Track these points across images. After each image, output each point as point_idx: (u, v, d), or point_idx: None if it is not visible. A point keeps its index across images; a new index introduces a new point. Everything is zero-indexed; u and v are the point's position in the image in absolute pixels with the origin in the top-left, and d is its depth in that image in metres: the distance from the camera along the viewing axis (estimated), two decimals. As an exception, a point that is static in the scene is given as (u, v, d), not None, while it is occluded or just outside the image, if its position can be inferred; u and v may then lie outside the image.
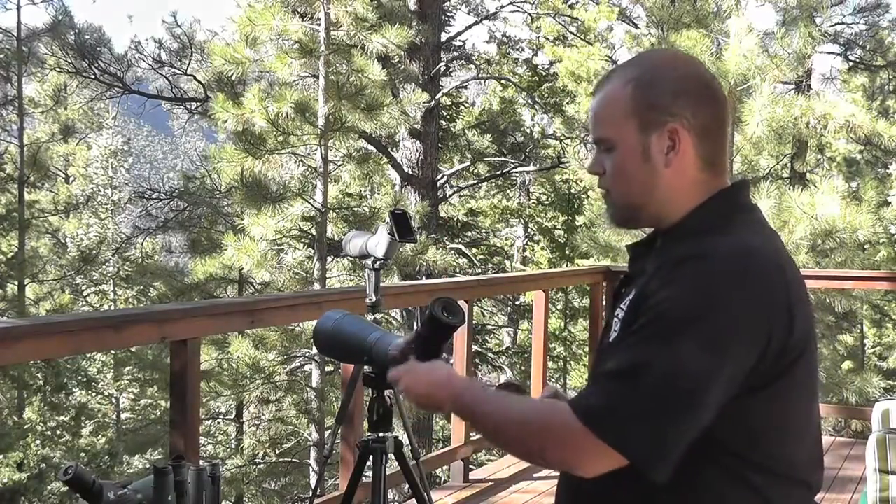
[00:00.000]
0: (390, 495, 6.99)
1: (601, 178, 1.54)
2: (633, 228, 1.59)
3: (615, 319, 1.47)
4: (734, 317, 1.34)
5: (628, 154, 1.49)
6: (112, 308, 21.11)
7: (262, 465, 12.96)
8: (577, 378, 18.08)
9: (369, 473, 2.64)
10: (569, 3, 17.81)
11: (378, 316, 3.24)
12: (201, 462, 2.75)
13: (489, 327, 19.17)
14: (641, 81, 1.49)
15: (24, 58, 15.66)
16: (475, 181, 17.40)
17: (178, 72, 14.73)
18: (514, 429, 1.47)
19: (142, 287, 18.33)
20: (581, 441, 1.34)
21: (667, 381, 1.31)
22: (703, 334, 1.32)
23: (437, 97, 12.51)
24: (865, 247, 10.24)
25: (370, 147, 12.18)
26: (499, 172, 17.17)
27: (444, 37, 14.08)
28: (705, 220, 1.47)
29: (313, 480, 10.21)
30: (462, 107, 18.51)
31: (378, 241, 3.18)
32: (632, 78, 1.50)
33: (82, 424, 18.23)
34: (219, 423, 16.10)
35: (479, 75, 17.20)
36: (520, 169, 16.65)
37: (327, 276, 11.12)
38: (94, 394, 20.23)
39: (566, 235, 18.14)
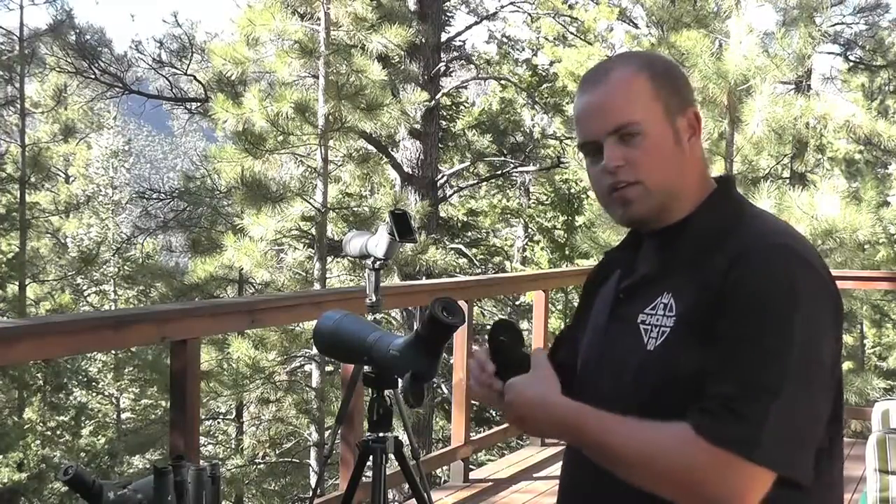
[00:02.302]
0: (390, 495, 6.97)
1: (620, 170, 1.40)
2: (655, 220, 1.44)
3: (644, 326, 1.39)
4: (836, 314, 1.34)
5: (661, 137, 1.40)
6: (112, 308, 21.13)
7: (262, 465, 12.94)
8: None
9: (369, 473, 2.64)
10: (569, 3, 17.80)
11: (378, 316, 3.25)
12: (201, 462, 2.75)
13: (489, 327, 19.15)
14: (656, 70, 1.44)
15: (25, 58, 15.67)
16: (475, 181, 17.38)
17: (179, 72, 14.72)
18: (641, 469, 1.30)
19: (142, 287, 18.32)
20: (744, 473, 1.23)
21: (808, 392, 1.26)
22: (816, 330, 1.29)
23: (437, 97, 12.50)
24: (865, 247, 10.22)
25: (370, 147, 12.17)
26: (499, 172, 17.16)
27: (444, 37, 14.07)
28: (732, 210, 1.43)
29: (313, 480, 10.20)
30: (462, 107, 18.51)
31: (378, 241, 3.18)
32: (643, 66, 1.44)
33: (82, 424, 18.23)
34: (219, 423, 16.09)
35: (479, 75, 17.19)
36: (520, 169, 16.65)
37: (327, 276, 11.11)
38: (94, 394, 20.24)
39: (566, 235, 18.15)
